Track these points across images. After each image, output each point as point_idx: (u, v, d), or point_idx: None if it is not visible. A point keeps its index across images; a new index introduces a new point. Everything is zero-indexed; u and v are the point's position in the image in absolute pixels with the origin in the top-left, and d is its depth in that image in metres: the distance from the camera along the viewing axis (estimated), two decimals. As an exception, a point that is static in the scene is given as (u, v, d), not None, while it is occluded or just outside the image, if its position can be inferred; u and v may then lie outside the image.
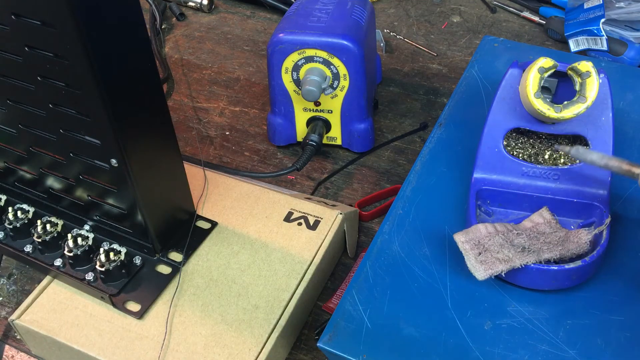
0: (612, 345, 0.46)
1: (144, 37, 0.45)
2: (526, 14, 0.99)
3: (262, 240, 0.58)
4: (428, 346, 0.47)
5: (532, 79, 0.51)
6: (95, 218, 0.56)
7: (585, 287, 0.50)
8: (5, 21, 0.43)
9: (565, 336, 0.47)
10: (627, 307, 0.49)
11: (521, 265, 0.48)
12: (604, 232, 0.50)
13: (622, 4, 0.86)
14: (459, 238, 0.51)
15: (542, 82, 0.52)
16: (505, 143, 0.56)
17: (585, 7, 0.88)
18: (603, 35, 0.84)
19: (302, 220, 0.60)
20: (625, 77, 0.71)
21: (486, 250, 0.49)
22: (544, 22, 0.96)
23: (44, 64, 0.44)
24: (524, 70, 0.54)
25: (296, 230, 0.59)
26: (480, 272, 0.48)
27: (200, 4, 1.05)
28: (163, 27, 1.02)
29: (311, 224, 0.60)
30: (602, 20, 0.84)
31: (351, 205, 0.68)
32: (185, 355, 0.50)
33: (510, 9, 1.01)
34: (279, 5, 1.02)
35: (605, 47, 0.84)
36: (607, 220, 0.51)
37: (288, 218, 0.60)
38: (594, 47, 0.85)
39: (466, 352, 0.46)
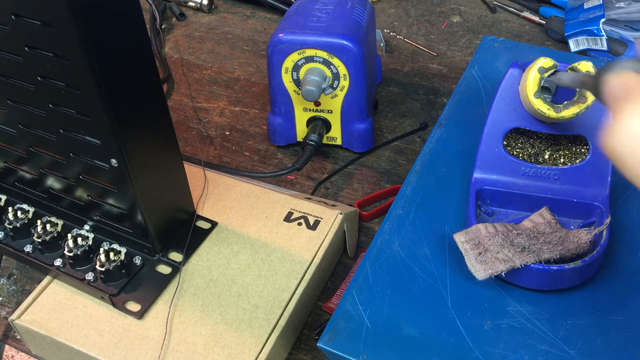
0: (612, 345, 0.46)
1: (144, 37, 0.45)
2: (526, 14, 0.99)
3: (262, 240, 0.58)
4: (428, 346, 0.47)
5: (532, 79, 0.51)
6: (95, 218, 0.56)
7: (585, 287, 0.50)
8: (5, 21, 0.43)
9: (565, 336, 0.47)
10: (627, 307, 0.49)
11: (521, 265, 0.48)
12: (604, 232, 0.50)
13: (622, 4, 0.86)
14: (459, 238, 0.51)
15: (542, 82, 0.52)
16: (505, 143, 0.56)
17: (585, 7, 0.88)
18: (603, 35, 0.84)
19: (302, 220, 0.60)
20: (625, 77, 0.71)
21: (486, 250, 0.49)
22: (544, 22, 0.96)
23: (44, 64, 0.44)
24: (524, 70, 0.54)
25: (296, 230, 0.59)
26: (480, 272, 0.48)
27: (200, 4, 1.05)
28: (163, 27, 1.02)
29: (311, 224, 0.60)
30: (602, 20, 0.84)
31: (351, 205, 0.68)
32: (185, 355, 0.50)
33: (510, 9, 1.01)
34: (279, 5, 1.02)
35: (605, 47, 0.84)
36: (607, 220, 0.51)
37: (288, 218, 0.60)
38: (594, 47, 0.85)
39: (466, 352, 0.46)
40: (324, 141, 0.74)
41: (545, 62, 0.51)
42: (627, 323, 0.48)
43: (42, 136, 0.51)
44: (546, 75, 0.51)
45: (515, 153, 0.56)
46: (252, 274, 0.56)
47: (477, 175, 0.56)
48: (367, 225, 0.68)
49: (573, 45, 0.87)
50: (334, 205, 0.63)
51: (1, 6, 0.42)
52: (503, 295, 0.50)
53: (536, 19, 0.97)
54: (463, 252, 0.50)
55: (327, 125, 0.73)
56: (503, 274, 0.48)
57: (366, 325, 0.48)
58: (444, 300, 0.50)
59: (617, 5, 0.86)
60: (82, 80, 0.43)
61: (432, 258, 0.53)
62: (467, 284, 0.51)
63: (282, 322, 0.52)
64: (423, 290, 0.50)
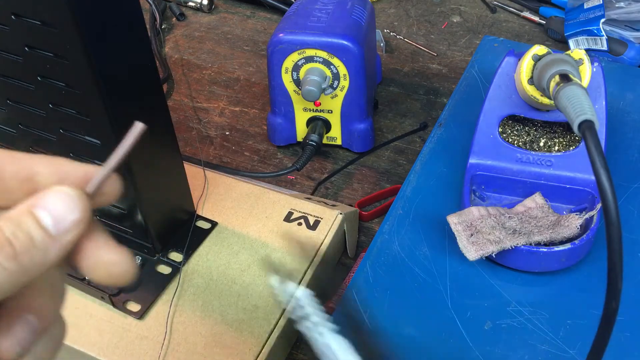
0: (612, 345, 0.46)
1: (144, 37, 0.45)
2: (526, 14, 0.99)
3: (262, 240, 0.58)
4: (428, 346, 0.47)
5: (526, 66, 0.52)
6: (95, 218, 0.56)
7: (585, 283, 0.50)
8: (5, 21, 0.43)
9: (565, 336, 0.47)
10: (627, 306, 0.49)
11: (511, 247, 0.49)
12: (595, 217, 0.51)
13: (622, 4, 0.86)
14: (452, 219, 0.51)
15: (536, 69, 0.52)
16: (500, 130, 0.57)
17: (585, 7, 0.88)
18: (603, 35, 0.84)
19: (302, 220, 0.60)
20: (625, 77, 0.71)
21: (478, 231, 0.50)
22: (544, 22, 0.96)
23: (44, 64, 0.44)
24: (519, 59, 0.54)
25: (296, 230, 0.59)
26: (472, 252, 0.49)
27: (200, 4, 1.05)
28: (163, 27, 1.02)
29: (311, 224, 0.60)
30: (602, 20, 0.84)
31: (351, 205, 0.68)
32: (185, 355, 0.50)
33: (510, 9, 1.01)
34: (279, 5, 1.02)
35: (605, 47, 0.84)
36: (598, 206, 0.51)
37: (288, 218, 0.60)
38: (594, 47, 0.85)
39: (466, 352, 0.46)
40: (324, 141, 0.74)
41: (539, 49, 0.51)
42: (627, 323, 0.48)
43: (42, 136, 0.51)
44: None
45: (510, 140, 0.57)
46: (252, 274, 0.56)
47: (472, 160, 0.57)
48: (367, 225, 0.68)
49: (573, 45, 0.87)
50: (334, 205, 0.63)
51: (1, 6, 0.42)
52: (503, 295, 0.50)
53: (536, 19, 0.97)
54: (455, 233, 0.51)
55: (327, 125, 0.73)
56: (493, 254, 0.49)
57: (366, 325, 0.48)
58: (444, 300, 0.50)
59: (617, 5, 0.86)
60: (82, 80, 0.43)
61: (432, 258, 0.53)
62: (467, 284, 0.51)
63: (282, 322, 0.52)
64: (423, 290, 0.51)
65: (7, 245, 0.24)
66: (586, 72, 0.50)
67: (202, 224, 0.60)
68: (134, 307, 0.53)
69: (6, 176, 0.26)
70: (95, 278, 0.27)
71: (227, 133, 0.80)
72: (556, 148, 0.56)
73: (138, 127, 0.27)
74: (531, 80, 0.52)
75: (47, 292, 0.26)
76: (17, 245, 0.24)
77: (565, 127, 0.57)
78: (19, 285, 0.24)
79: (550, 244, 0.50)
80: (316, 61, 0.67)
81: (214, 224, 0.60)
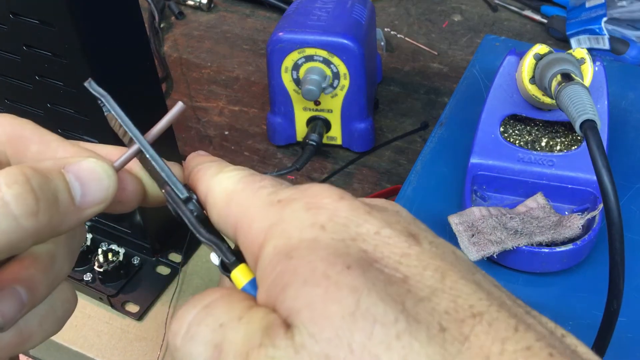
0: (613, 345, 0.46)
1: (143, 36, 0.45)
2: (528, 12, 0.98)
3: (262, 241, 0.58)
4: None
5: (527, 65, 0.51)
6: (93, 218, 0.56)
7: (587, 284, 0.50)
8: (4, 20, 0.43)
9: (567, 337, 0.47)
10: (629, 307, 0.48)
11: (513, 247, 0.48)
12: (597, 217, 0.50)
13: (624, 3, 0.86)
14: (453, 220, 0.51)
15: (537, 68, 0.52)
16: (502, 129, 0.57)
17: (587, 6, 0.88)
18: (605, 34, 0.83)
19: (302, 221, 0.60)
20: (627, 76, 0.70)
21: (479, 232, 0.50)
22: (546, 21, 0.95)
23: (42, 63, 0.43)
24: (521, 58, 0.54)
25: (296, 230, 0.59)
26: (473, 253, 0.49)
27: (199, 2, 1.04)
28: (162, 26, 1.01)
29: (311, 224, 0.59)
30: (604, 19, 0.84)
31: (351, 205, 0.68)
32: (185, 356, 0.49)
33: (512, 7, 1.00)
34: (279, 4, 1.01)
35: (607, 46, 0.84)
36: (600, 206, 0.51)
37: (288, 218, 0.60)
38: (595, 46, 0.85)
39: (467, 354, 0.46)
40: (324, 141, 0.73)
41: (540, 48, 0.51)
42: (628, 323, 0.47)
43: (40, 136, 0.51)
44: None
45: (512, 140, 0.57)
46: (252, 274, 0.55)
47: (473, 160, 0.57)
48: (367, 226, 0.67)
49: (575, 44, 0.87)
50: (334, 205, 0.63)
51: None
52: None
53: (538, 17, 0.97)
54: (456, 233, 0.50)
55: (327, 125, 0.72)
56: (495, 255, 0.49)
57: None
58: (445, 301, 0.49)
59: (619, 4, 0.86)
60: (80, 80, 0.43)
61: (433, 259, 0.53)
62: (468, 284, 0.50)
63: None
64: (424, 291, 0.50)
65: (32, 198, 0.21)
66: (588, 71, 0.50)
67: (201, 224, 0.59)
68: (133, 308, 0.53)
69: (28, 156, 0.24)
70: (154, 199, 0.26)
71: (227, 133, 0.80)
72: (558, 148, 0.56)
73: (179, 106, 0.25)
74: (533, 80, 0.51)
75: (42, 264, 0.24)
76: (42, 201, 0.21)
77: (567, 126, 0.56)
78: (24, 248, 0.21)
79: (552, 244, 0.50)
80: (316, 60, 0.67)
81: (213, 224, 0.59)
